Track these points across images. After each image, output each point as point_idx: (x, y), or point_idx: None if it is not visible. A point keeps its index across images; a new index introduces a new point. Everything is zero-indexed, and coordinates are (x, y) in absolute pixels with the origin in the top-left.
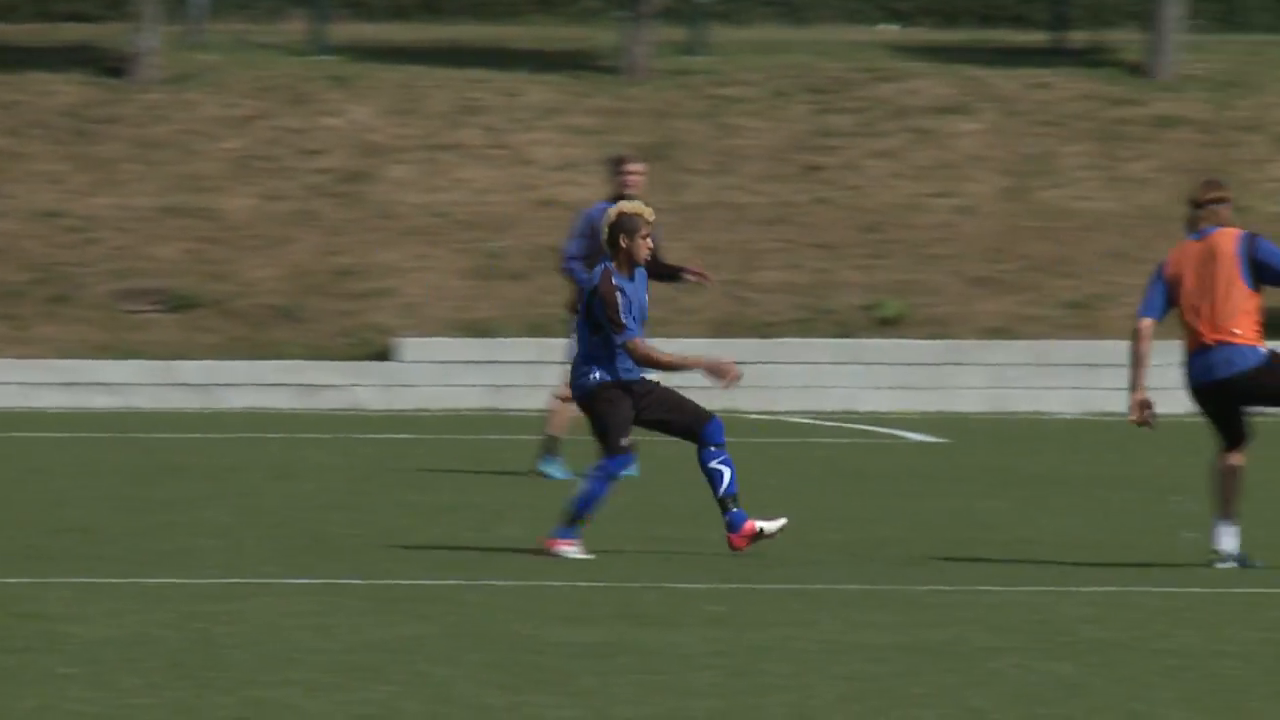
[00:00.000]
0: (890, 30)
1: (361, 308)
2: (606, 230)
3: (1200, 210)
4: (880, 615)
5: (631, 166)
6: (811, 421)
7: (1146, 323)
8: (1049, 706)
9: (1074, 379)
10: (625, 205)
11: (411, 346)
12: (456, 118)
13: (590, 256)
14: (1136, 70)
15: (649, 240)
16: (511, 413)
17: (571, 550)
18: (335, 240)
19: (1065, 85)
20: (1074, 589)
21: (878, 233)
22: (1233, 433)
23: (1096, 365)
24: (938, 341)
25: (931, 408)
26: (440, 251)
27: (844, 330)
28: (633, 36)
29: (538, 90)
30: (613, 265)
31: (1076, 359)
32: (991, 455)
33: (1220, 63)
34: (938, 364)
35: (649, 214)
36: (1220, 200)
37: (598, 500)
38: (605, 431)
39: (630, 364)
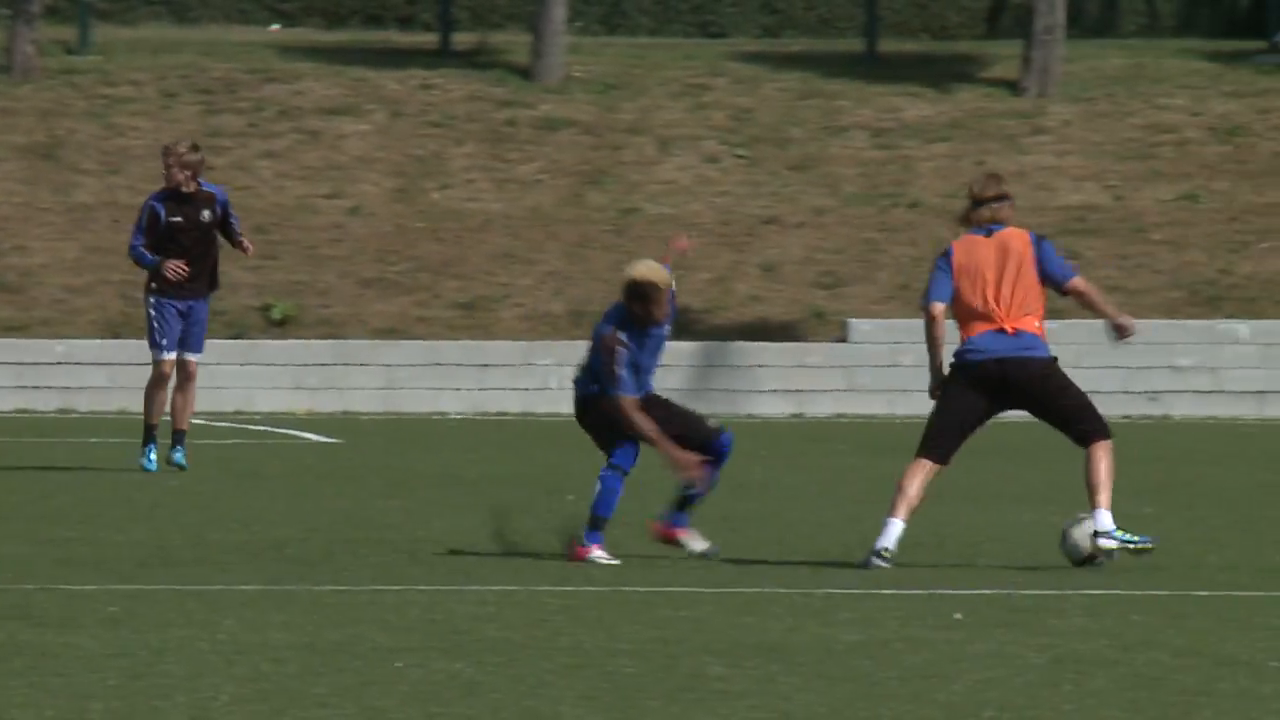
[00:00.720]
0: (277, 30)
1: None
2: (623, 292)
3: (981, 207)
4: (280, 615)
5: (169, 159)
6: (207, 422)
7: (940, 306)
8: (447, 705)
9: (465, 379)
10: (643, 273)
11: None
12: None
13: (149, 243)
14: (523, 72)
15: (664, 306)
16: None
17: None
18: None
19: (452, 87)
20: (471, 588)
21: (268, 234)
22: (956, 443)
23: (487, 365)
24: (330, 342)
25: (325, 408)
26: None
27: (237, 331)
28: (18, 35)
29: None
30: (629, 323)
31: (467, 359)
32: (386, 455)
33: (605, 65)
34: (330, 364)
35: (665, 283)
36: (1001, 197)
37: (611, 500)
38: (609, 438)
39: (642, 383)
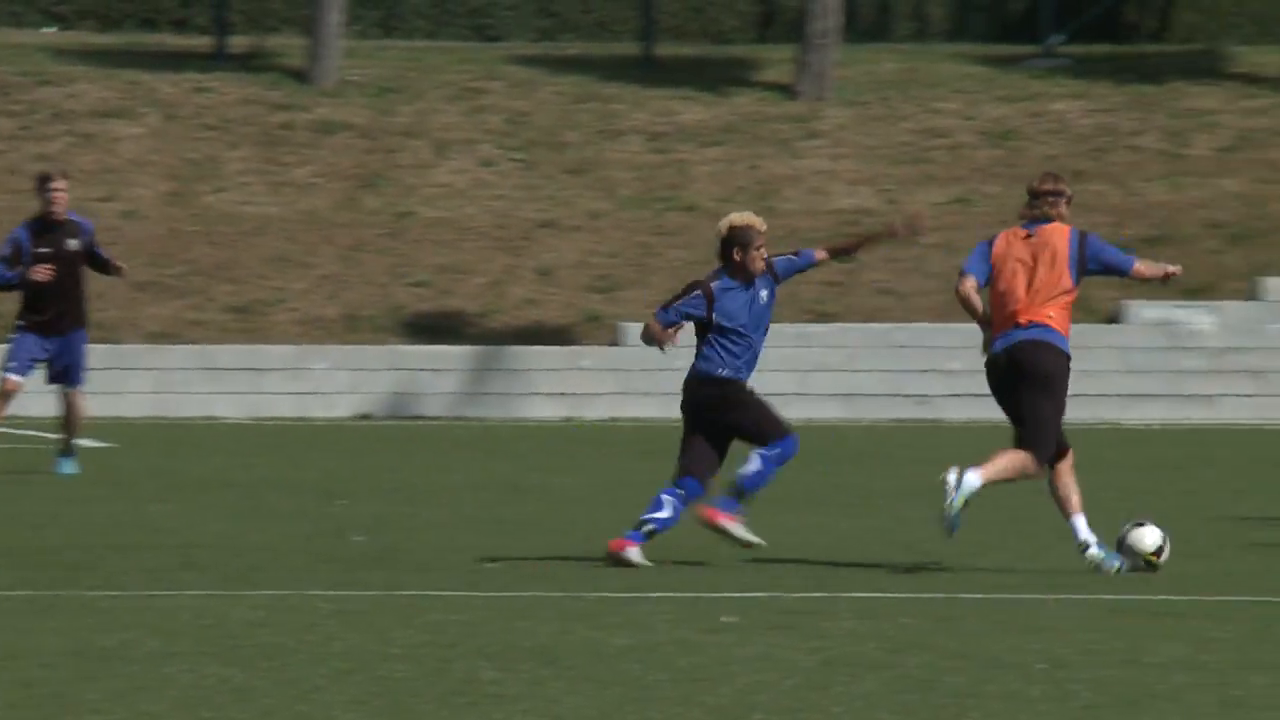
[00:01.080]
0: (51, 33)
1: None
2: (720, 243)
3: (1036, 201)
4: (50, 621)
5: (55, 184)
6: None
7: (971, 279)
8: (219, 711)
9: (239, 383)
10: (738, 218)
11: None
12: None
13: (11, 268)
14: (298, 76)
15: (763, 251)
16: None
17: (735, 527)
18: None
19: (228, 90)
20: (243, 593)
21: None
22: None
23: (262, 369)
24: (103, 346)
25: (97, 412)
26: None
27: (6, 336)
28: None
29: None
30: (726, 276)
31: (241, 363)
32: (159, 459)
33: (381, 69)
34: (103, 369)
35: (761, 225)
36: (1056, 193)
37: (766, 481)
38: (761, 421)
39: (748, 356)
